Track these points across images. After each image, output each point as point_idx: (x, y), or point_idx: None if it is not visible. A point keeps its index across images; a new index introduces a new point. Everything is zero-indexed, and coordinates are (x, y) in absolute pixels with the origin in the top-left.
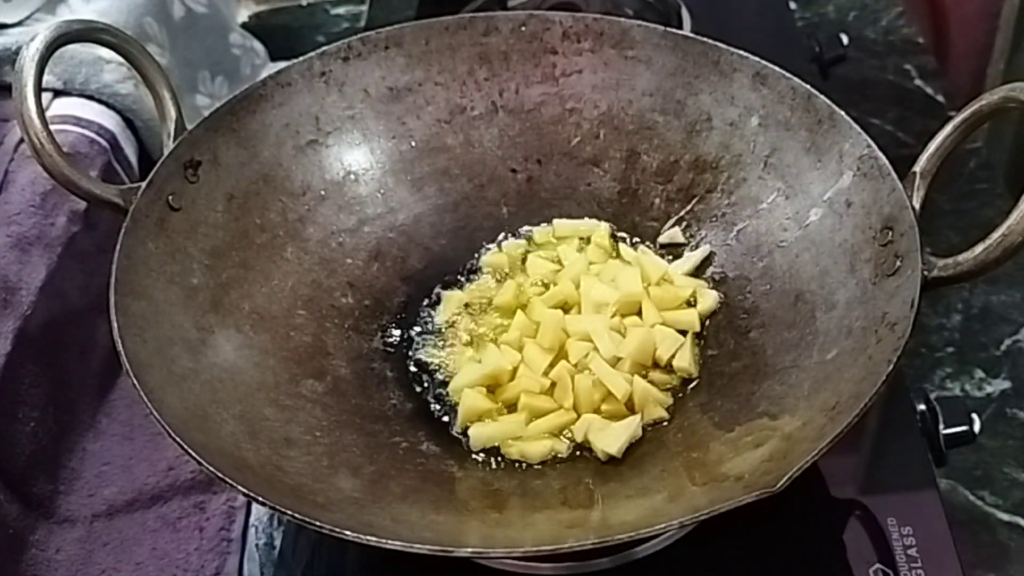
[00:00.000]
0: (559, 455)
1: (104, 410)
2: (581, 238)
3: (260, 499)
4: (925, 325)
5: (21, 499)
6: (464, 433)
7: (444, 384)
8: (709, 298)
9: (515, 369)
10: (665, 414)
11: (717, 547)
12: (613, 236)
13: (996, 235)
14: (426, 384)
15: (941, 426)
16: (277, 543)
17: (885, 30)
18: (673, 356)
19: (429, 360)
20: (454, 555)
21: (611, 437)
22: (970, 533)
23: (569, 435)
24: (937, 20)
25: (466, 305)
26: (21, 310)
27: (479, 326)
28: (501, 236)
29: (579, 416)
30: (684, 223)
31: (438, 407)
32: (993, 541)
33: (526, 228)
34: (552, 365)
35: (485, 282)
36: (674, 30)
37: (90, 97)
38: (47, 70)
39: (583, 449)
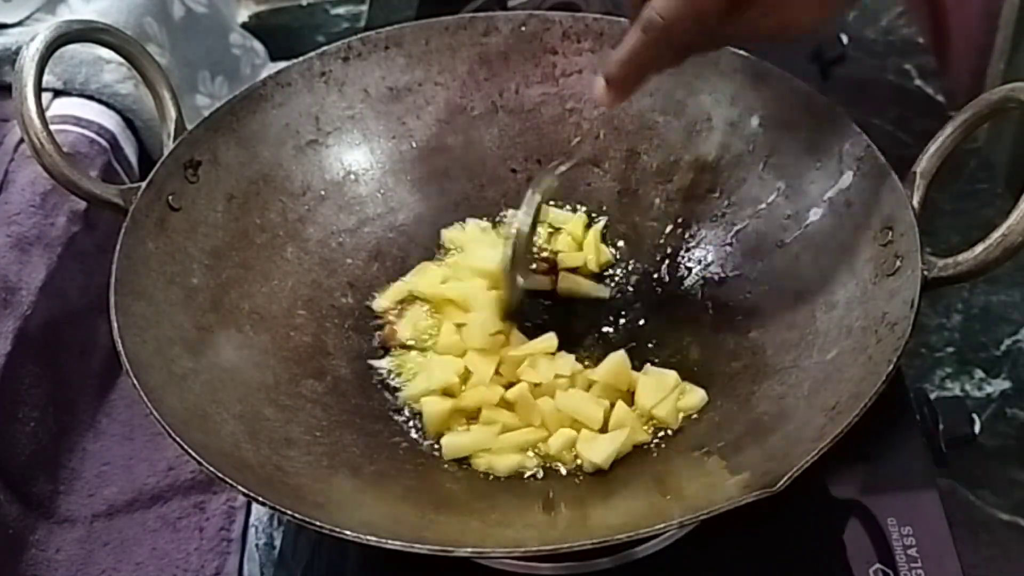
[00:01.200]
0: (527, 472)
1: (104, 410)
2: (554, 228)
3: (260, 499)
4: (925, 325)
5: (21, 499)
6: (437, 443)
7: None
8: (695, 396)
9: (464, 375)
10: (648, 437)
11: (717, 547)
12: (606, 232)
13: (996, 235)
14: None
15: (941, 426)
16: (277, 543)
17: (885, 30)
18: (656, 406)
19: (378, 367)
20: (454, 555)
21: (598, 448)
22: (970, 533)
23: (539, 451)
24: (937, 20)
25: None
26: (21, 310)
27: (415, 326)
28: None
29: (551, 433)
30: (684, 223)
31: (402, 418)
32: (993, 541)
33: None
34: (507, 386)
35: (425, 268)
36: None
37: (90, 97)
38: (47, 70)
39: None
